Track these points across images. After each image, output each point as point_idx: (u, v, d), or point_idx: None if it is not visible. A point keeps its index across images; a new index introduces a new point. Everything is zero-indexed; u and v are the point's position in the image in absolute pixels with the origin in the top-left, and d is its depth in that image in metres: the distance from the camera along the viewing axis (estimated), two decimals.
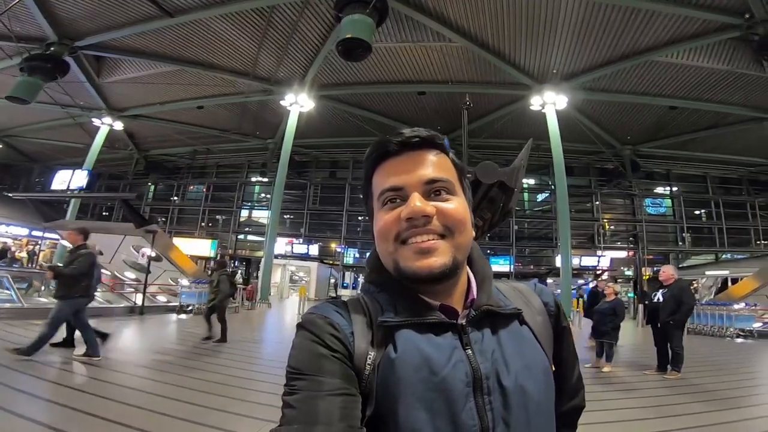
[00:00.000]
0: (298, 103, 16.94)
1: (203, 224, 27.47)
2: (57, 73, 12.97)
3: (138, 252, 12.94)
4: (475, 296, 0.64)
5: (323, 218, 26.74)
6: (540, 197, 26.54)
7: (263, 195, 28.21)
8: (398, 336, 0.58)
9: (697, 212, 24.95)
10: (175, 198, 28.07)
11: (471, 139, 18.58)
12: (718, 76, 14.30)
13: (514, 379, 0.56)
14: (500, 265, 23.21)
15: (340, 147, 24.91)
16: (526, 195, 25.68)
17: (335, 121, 20.53)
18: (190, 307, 11.47)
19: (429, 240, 0.59)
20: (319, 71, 15.81)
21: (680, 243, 24.05)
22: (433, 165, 0.63)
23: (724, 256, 23.30)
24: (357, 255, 26.80)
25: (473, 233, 0.66)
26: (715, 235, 23.88)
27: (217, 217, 27.71)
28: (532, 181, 25.83)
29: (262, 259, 17.42)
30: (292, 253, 24.62)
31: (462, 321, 0.61)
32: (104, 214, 28.05)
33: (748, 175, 23.87)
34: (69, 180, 12.82)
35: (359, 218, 26.30)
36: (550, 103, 15.46)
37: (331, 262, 25.95)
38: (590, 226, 24.37)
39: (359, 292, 0.70)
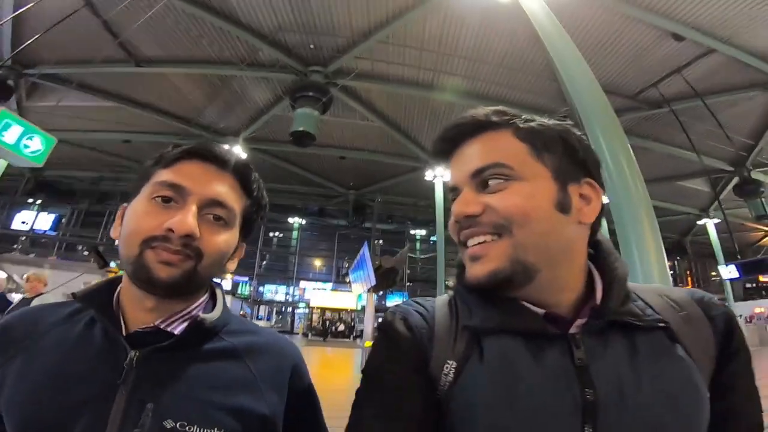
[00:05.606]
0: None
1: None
2: (1, 98, 13.12)
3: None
4: (599, 302, 0.52)
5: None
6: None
7: None
8: (487, 344, 0.49)
9: None
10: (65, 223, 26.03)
11: (384, 196, 24.43)
12: None
13: (647, 409, 0.44)
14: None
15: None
16: (417, 245, 32.06)
17: (261, 168, 22.54)
18: None
19: (479, 243, 0.52)
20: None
21: None
22: (483, 150, 0.54)
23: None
24: (259, 289, 29.01)
25: (559, 222, 0.52)
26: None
27: (99, 247, 26.31)
28: (423, 232, 31.58)
29: None
30: None
31: (575, 331, 0.50)
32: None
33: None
34: (33, 221, 12.90)
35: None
36: (439, 175, 20.40)
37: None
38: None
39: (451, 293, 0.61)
